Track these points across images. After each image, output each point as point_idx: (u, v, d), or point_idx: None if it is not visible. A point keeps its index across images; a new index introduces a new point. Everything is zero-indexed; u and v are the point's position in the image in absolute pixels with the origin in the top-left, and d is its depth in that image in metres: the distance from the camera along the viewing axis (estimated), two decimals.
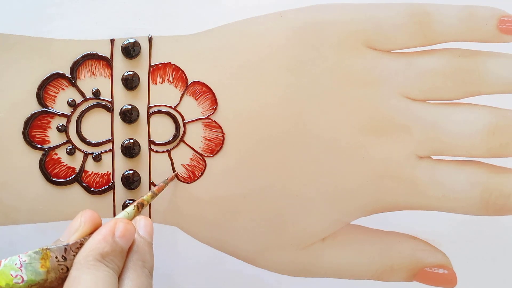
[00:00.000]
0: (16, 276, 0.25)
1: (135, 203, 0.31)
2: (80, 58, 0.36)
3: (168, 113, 0.36)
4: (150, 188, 0.36)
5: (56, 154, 0.36)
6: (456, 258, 0.37)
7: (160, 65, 0.36)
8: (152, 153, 0.36)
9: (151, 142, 0.36)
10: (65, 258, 0.26)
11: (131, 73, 0.36)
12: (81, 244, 0.27)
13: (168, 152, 0.36)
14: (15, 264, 0.25)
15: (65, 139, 0.36)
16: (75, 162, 0.36)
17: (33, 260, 0.25)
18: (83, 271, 0.25)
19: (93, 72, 0.36)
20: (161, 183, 0.34)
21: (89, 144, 0.36)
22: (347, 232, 0.37)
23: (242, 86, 0.36)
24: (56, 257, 0.26)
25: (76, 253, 0.26)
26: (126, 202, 0.36)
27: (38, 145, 0.36)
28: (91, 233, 0.28)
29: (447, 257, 0.37)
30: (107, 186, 0.36)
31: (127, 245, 0.28)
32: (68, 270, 0.26)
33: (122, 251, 0.27)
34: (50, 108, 0.36)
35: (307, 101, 0.36)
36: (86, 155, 0.36)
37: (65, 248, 0.26)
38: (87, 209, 0.29)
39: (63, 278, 0.26)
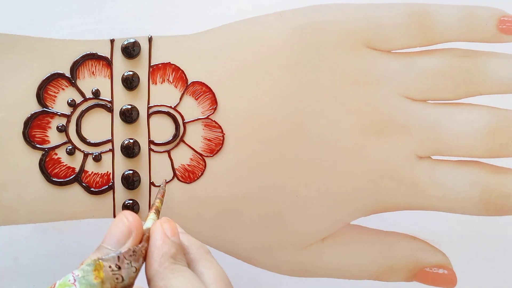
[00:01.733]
0: None
1: (153, 210, 0.30)
2: (80, 58, 0.36)
3: (168, 113, 0.36)
4: (149, 188, 0.36)
5: (56, 154, 0.36)
6: (456, 258, 0.37)
7: (160, 65, 0.36)
8: (152, 153, 0.36)
9: (151, 142, 0.36)
10: (119, 267, 0.25)
11: (131, 73, 0.36)
12: (134, 252, 0.25)
13: (168, 152, 0.36)
14: (69, 281, 0.24)
15: (65, 139, 0.36)
16: (75, 162, 0.36)
17: (86, 273, 0.24)
18: (169, 277, 0.25)
19: (93, 72, 0.36)
20: (160, 190, 0.34)
21: (89, 144, 0.36)
22: (347, 232, 0.37)
23: (242, 86, 0.36)
24: (110, 267, 0.24)
25: (130, 261, 0.25)
26: (126, 202, 0.36)
27: (38, 145, 0.36)
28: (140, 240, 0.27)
29: (447, 257, 0.37)
30: (107, 186, 0.36)
31: (180, 240, 0.27)
32: (123, 279, 0.25)
33: (182, 248, 0.27)
34: (50, 108, 0.36)
35: (307, 101, 0.36)
36: (86, 155, 0.36)
37: (118, 257, 0.25)
38: (127, 211, 0.27)
39: None
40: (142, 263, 0.26)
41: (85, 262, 0.24)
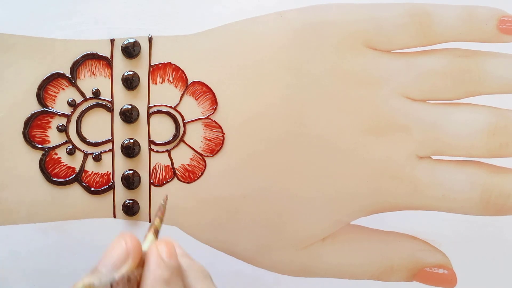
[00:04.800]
0: None
1: (151, 231, 0.28)
2: (80, 58, 0.36)
3: (168, 113, 0.36)
4: (150, 188, 0.36)
5: (56, 154, 0.36)
6: (456, 258, 0.37)
7: (160, 65, 0.36)
8: (152, 153, 0.36)
9: (151, 142, 0.36)
10: None
11: (131, 73, 0.36)
12: (129, 278, 0.24)
13: (168, 152, 0.36)
14: None
15: (65, 139, 0.36)
16: (75, 162, 0.36)
17: None
18: None
19: (93, 72, 0.36)
20: (161, 207, 0.31)
21: (89, 144, 0.36)
22: (347, 232, 0.37)
23: (242, 86, 0.36)
24: None
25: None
26: (126, 202, 0.36)
27: (38, 145, 0.36)
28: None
29: (447, 257, 0.37)
30: (107, 186, 0.36)
31: (177, 263, 0.26)
32: None
33: (178, 271, 0.25)
34: (50, 108, 0.36)
35: (307, 101, 0.36)
36: (86, 155, 0.36)
37: (111, 285, 0.24)
38: (128, 235, 0.25)
39: None
40: None
41: (77, 285, 0.23)
